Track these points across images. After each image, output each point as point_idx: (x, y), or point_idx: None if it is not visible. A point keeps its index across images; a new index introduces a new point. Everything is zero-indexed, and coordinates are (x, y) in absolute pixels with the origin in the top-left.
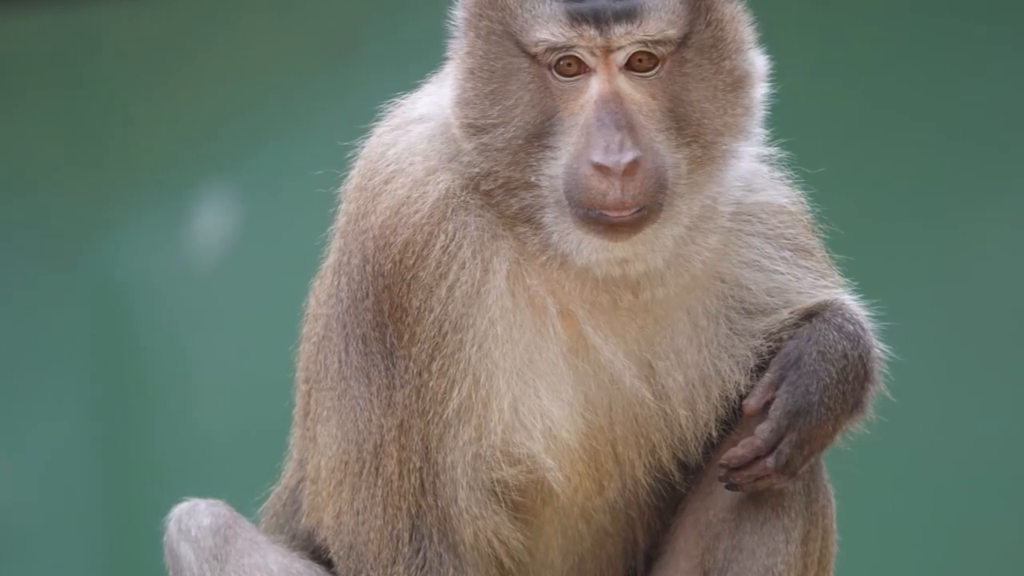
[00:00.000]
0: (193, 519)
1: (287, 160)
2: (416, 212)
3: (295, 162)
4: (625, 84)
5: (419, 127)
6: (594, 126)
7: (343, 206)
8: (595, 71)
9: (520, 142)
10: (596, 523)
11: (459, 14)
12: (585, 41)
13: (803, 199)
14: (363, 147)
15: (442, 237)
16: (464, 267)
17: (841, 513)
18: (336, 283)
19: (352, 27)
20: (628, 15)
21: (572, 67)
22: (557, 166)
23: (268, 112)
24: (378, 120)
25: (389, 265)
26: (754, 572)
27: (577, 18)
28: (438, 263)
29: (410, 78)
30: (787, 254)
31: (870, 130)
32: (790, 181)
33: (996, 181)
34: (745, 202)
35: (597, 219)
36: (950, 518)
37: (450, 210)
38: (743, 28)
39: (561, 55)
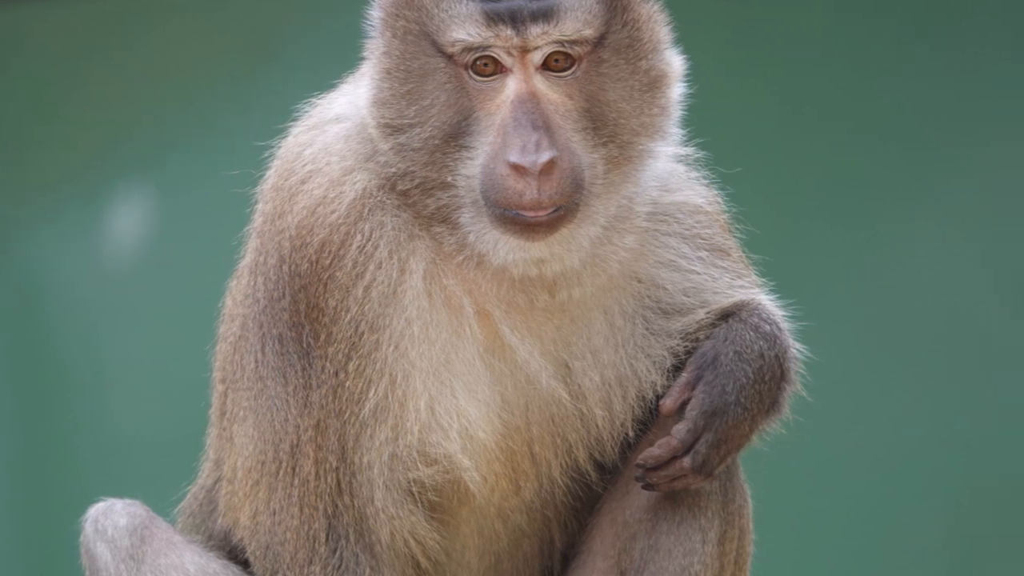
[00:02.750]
0: (109, 519)
1: (204, 160)
2: (333, 212)
3: (212, 162)
4: (542, 84)
5: (336, 127)
6: (511, 126)
7: (260, 206)
8: (512, 71)
9: (437, 142)
10: (513, 523)
11: (375, 14)
12: (502, 41)
13: (720, 199)
14: (279, 147)
15: (359, 237)
16: (381, 267)
17: (758, 513)
18: (253, 283)
19: (269, 28)
20: (545, 15)
21: (489, 67)
22: (474, 166)
23: (185, 112)
24: (295, 120)
25: (305, 265)
26: (671, 572)
27: (494, 18)
28: (355, 263)
29: (327, 78)
30: (704, 254)
31: (787, 130)
32: (707, 181)
33: (913, 181)
34: (662, 202)
35: (514, 219)
36: (866, 518)
37: (367, 210)
38: (659, 28)
39: (477, 55)
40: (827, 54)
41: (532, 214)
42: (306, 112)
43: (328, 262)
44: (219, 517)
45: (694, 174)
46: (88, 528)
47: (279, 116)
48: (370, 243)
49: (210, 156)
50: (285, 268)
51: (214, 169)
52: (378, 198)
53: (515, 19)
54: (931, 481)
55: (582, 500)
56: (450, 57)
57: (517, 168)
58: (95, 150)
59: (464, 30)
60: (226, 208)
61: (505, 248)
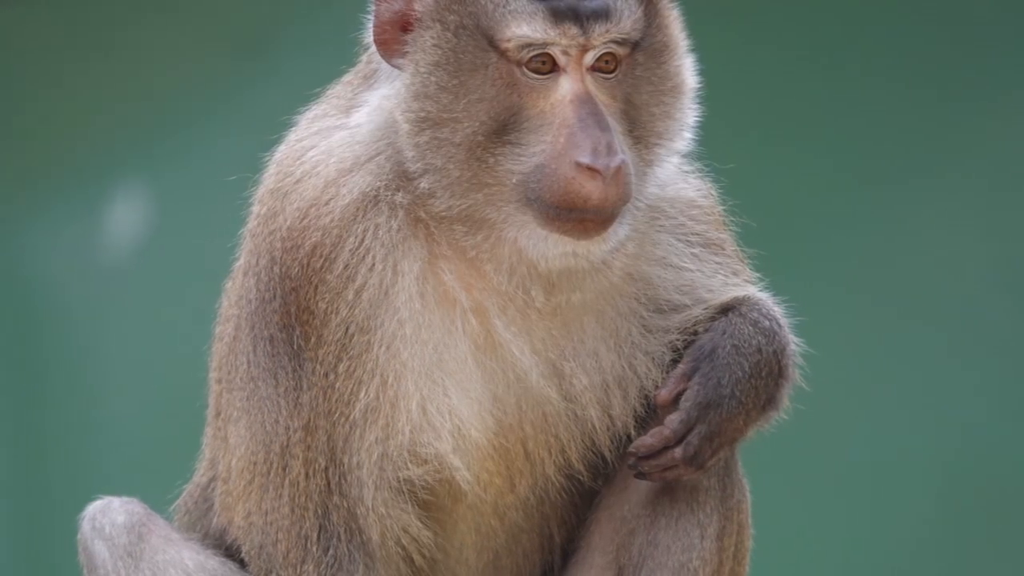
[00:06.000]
0: (107, 517)
1: (204, 157)
2: (326, 215)
3: (212, 159)
4: (592, 85)
5: (334, 129)
6: (577, 127)
7: (255, 207)
8: (565, 70)
9: (480, 138)
10: (509, 520)
11: (420, 7)
12: (568, 39)
13: (714, 192)
14: (278, 148)
15: (351, 240)
16: (372, 269)
17: (756, 508)
18: (245, 284)
19: (269, 24)
20: (604, 14)
21: (546, 65)
22: (524, 163)
23: (184, 110)
24: (294, 120)
25: (296, 268)
26: (669, 568)
27: (560, 16)
28: (346, 266)
29: (328, 78)
30: (697, 250)
31: (782, 124)
32: (701, 175)
33: (908, 175)
34: (655, 197)
35: (570, 218)
36: (864, 512)
37: (361, 213)
38: (681, 33)
39: (536, 52)
40: (822, 47)
41: (595, 215)
42: (303, 113)
43: (319, 265)
44: (215, 516)
45: (687, 167)
46: (85, 526)
47: (278, 115)
48: (363, 246)
49: (210, 153)
50: (276, 270)
51: (215, 166)
52: (373, 200)
53: (578, 18)
54: (931, 475)
55: (580, 495)
56: (503, 53)
57: (589, 170)
58: (93, 148)
59: (529, 26)
60: (227, 205)
61: (555, 245)
